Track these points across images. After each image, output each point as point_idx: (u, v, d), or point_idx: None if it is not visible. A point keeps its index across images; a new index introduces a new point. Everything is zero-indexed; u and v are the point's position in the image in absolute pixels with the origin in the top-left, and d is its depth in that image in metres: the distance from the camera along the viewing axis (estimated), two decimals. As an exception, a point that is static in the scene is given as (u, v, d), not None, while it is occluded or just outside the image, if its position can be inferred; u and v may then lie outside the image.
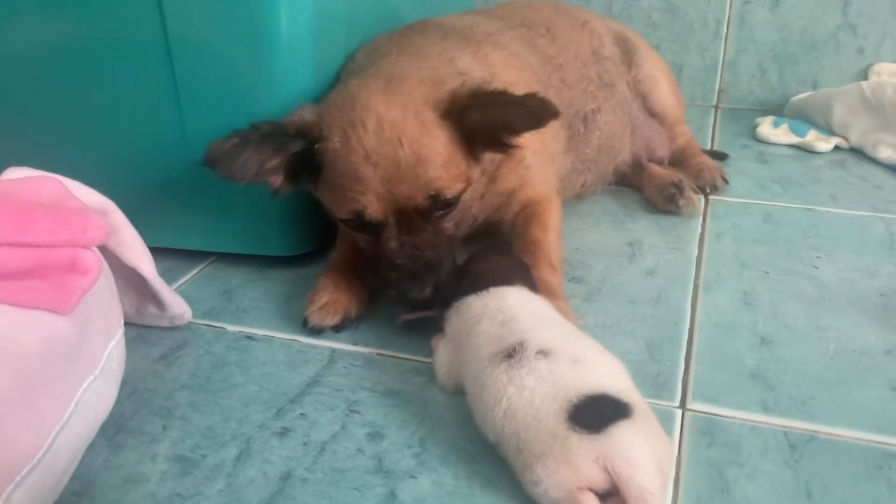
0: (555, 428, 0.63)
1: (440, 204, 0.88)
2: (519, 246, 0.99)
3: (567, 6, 1.36)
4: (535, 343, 0.70)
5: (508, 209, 1.04)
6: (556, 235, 1.02)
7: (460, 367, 0.77)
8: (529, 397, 0.66)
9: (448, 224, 0.92)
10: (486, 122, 0.87)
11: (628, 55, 1.36)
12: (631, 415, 0.63)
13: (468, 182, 0.91)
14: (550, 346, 0.70)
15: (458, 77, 0.95)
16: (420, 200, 0.86)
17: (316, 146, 0.88)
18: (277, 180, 0.92)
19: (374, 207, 0.86)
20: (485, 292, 0.80)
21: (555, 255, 0.98)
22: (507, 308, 0.77)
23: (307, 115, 0.90)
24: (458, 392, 0.78)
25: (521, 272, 0.86)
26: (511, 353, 0.70)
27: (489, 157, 0.97)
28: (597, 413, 0.63)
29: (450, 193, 0.88)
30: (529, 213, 1.03)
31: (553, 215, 1.04)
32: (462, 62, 0.99)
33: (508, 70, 1.04)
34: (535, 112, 0.83)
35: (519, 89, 0.88)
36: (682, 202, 1.23)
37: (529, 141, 1.00)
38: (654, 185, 1.29)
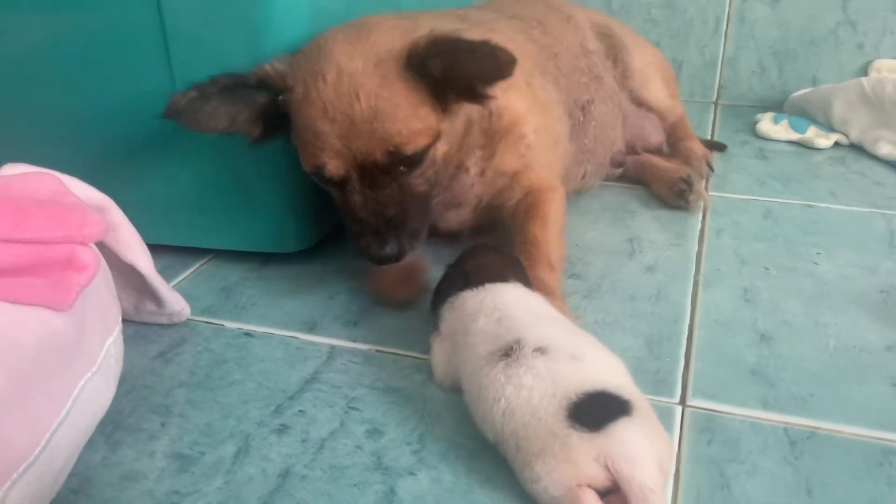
0: (554, 426, 0.62)
1: (402, 160, 0.86)
2: (517, 243, 0.98)
3: (554, 2, 1.37)
4: (533, 340, 0.70)
5: (511, 193, 1.02)
6: (556, 230, 1.00)
7: (457, 365, 0.77)
8: (528, 396, 0.65)
9: (416, 181, 0.89)
10: (450, 70, 0.84)
11: (613, 50, 1.37)
12: (631, 412, 0.62)
13: (436, 136, 0.87)
14: (548, 343, 0.69)
15: None
16: (378, 157, 0.84)
17: (279, 98, 0.87)
18: (255, 131, 0.90)
19: (333, 164, 0.85)
20: (480, 288, 0.79)
21: (554, 253, 0.96)
22: (503, 305, 0.76)
23: (277, 64, 0.88)
24: (457, 389, 0.78)
25: (515, 268, 0.85)
26: (508, 352, 0.69)
27: (482, 123, 0.95)
28: (596, 410, 0.62)
29: (411, 149, 0.85)
30: (530, 205, 1.00)
31: (554, 206, 1.02)
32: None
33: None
34: (489, 59, 0.80)
35: (516, 78, 0.86)
36: (691, 197, 1.23)
37: (529, 116, 0.99)
38: (662, 180, 1.29)
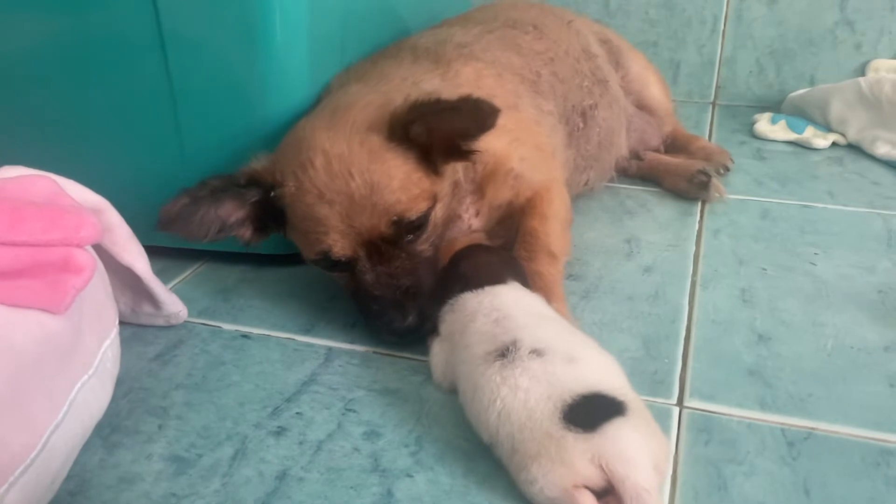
0: (550, 428, 0.62)
1: (406, 228, 0.86)
2: (518, 239, 0.97)
3: (551, 6, 1.37)
4: (529, 342, 0.70)
5: (512, 210, 1.02)
6: (557, 224, 0.98)
7: (454, 365, 0.77)
8: (524, 398, 0.65)
9: (422, 247, 0.89)
10: (435, 133, 0.84)
11: (613, 56, 1.39)
12: (626, 412, 0.62)
13: (434, 199, 0.88)
14: (544, 345, 0.69)
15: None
16: (384, 229, 0.84)
17: (272, 193, 0.88)
18: (246, 232, 0.92)
19: (339, 245, 0.85)
20: (480, 290, 0.79)
21: (555, 243, 0.95)
22: (501, 306, 0.76)
23: (260, 163, 0.89)
24: (455, 391, 0.77)
25: (512, 267, 0.85)
26: (504, 353, 0.70)
27: (467, 174, 0.95)
28: (591, 412, 0.62)
29: (413, 215, 0.85)
30: (528, 207, 1.00)
31: (553, 204, 1.00)
32: (429, 84, 0.96)
33: (482, 81, 1.02)
34: (472, 114, 0.81)
35: (498, 98, 0.87)
36: (712, 188, 1.26)
37: (512, 149, 0.98)
38: (678, 174, 1.31)
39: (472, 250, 0.89)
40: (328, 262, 0.87)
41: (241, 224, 0.91)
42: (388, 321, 0.85)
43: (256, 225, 0.92)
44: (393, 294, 0.85)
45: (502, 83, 1.05)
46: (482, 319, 0.75)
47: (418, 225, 0.87)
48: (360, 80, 0.98)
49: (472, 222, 1.00)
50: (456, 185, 0.94)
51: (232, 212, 0.89)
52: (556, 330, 0.74)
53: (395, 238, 0.85)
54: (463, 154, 0.87)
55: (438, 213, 0.90)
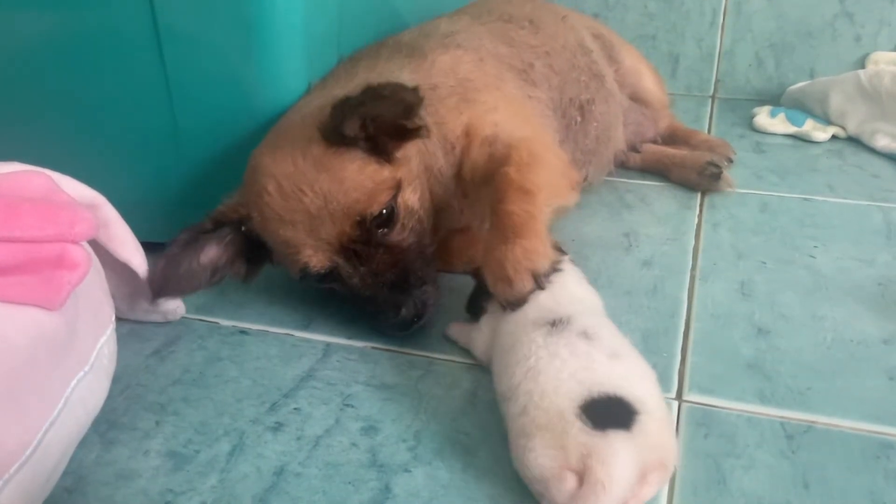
0: (566, 409, 0.63)
1: (375, 223, 0.85)
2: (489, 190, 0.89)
3: (545, 2, 1.37)
4: (582, 324, 0.71)
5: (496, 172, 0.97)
6: (540, 169, 0.89)
7: (497, 336, 0.78)
8: (559, 367, 0.67)
9: (401, 237, 0.87)
10: (375, 121, 0.84)
11: (607, 50, 1.39)
12: (631, 427, 0.62)
13: (396, 186, 0.86)
14: (595, 332, 0.71)
15: None
16: (350, 231, 0.84)
17: (243, 228, 0.88)
18: (241, 270, 0.92)
19: (314, 260, 0.85)
20: None
21: (532, 180, 0.86)
22: (567, 283, 0.79)
23: (229, 201, 0.90)
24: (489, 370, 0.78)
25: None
26: (556, 323, 0.71)
27: (447, 158, 0.94)
28: (605, 413, 0.63)
29: (376, 209, 0.84)
30: (504, 160, 0.90)
31: (536, 154, 0.91)
32: (396, 79, 0.92)
33: (459, 67, 1.00)
34: (395, 98, 0.80)
35: (474, 81, 0.88)
36: (723, 179, 1.27)
37: (483, 119, 0.95)
38: (686, 166, 1.32)
39: None
40: (313, 279, 0.87)
41: (231, 264, 0.91)
42: (384, 319, 0.85)
43: (246, 259, 0.92)
44: (381, 291, 0.84)
45: (482, 67, 1.04)
46: (546, 294, 0.77)
47: (387, 217, 0.86)
48: (326, 81, 0.99)
49: (462, 206, 0.99)
50: (427, 163, 0.93)
51: (216, 256, 0.89)
52: (609, 327, 0.75)
53: (366, 237, 0.85)
54: (410, 132, 0.86)
55: (409, 197, 0.88)
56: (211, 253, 0.89)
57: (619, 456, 0.60)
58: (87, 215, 0.67)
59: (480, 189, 0.93)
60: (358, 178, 0.84)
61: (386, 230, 0.86)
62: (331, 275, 0.87)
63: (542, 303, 0.76)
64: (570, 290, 0.79)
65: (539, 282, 0.77)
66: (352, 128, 0.83)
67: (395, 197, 0.86)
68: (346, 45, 1.08)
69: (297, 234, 0.84)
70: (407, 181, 0.88)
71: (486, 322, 0.83)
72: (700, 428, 0.74)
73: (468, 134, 0.95)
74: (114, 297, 0.82)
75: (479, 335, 0.83)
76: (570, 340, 0.69)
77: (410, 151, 0.89)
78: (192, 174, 1.01)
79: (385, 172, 0.86)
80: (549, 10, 1.31)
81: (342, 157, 0.84)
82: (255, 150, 0.91)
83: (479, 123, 0.96)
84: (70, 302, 0.65)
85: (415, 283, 0.85)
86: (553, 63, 1.17)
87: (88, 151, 1.02)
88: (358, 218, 0.84)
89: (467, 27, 1.12)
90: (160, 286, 0.86)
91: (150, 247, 0.87)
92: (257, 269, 0.94)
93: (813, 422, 0.75)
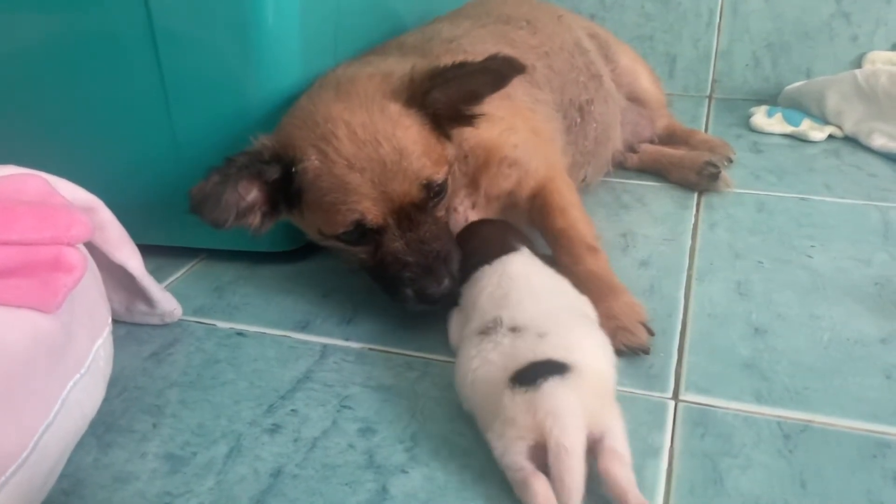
0: (502, 394, 0.65)
1: (434, 191, 0.87)
2: (548, 242, 0.96)
3: (541, 2, 1.37)
4: (510, 319, 0.73)
5: (516, 201, 1.00)
6: (576, 212, 0.97)
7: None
8: (492, 371, 0.69)
9: (441, 213, 0.91)
10: (450, 98, 0.86)
11: (603, 50, 1.39)
12: (565, 373, 0.64)
13: (449, 163, 0.90)
14: (523, 322, 0.72)
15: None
16: (415, 193, 0.85)
17: (293, 169, 0.86)
18: (255, 219, 0.88)
19: (372, 212, 0.84)
20: (496, 261, 0.83)
21: (588, 233, 0.95)
22: (506, 281, 0.80)
23: (267, 142, 0.87)
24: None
25: (514, 231, 0.89)
26: (488, 328, 0.73)
27: (460, 167, 0.95)
28: (535, 372, 0.65)
29: (439, 178, 0.87)
30: (540, 205, 0.98)
31: (563, 193, 0.99)
32: None
33: None
34: (499, 71, 0.83)
35: None
36: (721, 179, 1.28)
37: (505, 136, 0.98)
38: (684, 166, 1.32)
39: (470, 228, 0.92)
40: (356, 235, 0.87)
41: (252, 209, 0.88)
42: (421, 288, 0.85)
43: (266, 209, 0.90)
44: (425, 259, 0.85)
45: None
46: (487, 294, 0.79)
47: (440, 189, 0.88)
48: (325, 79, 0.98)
49: (468, 214, 0.99)
50: (452, 164, 0.94)
51: (246, 192, 0.86)
52: (546, 306, 0.76)
53: (423, 203, 0.86)
54: (467, 119, 0.89)
55: (451, 178, 0.91)
56: (246, 186, 0.85)
57: (559, 399, 0.62)
58: (83, 218, 0.67)
59: (503, 208, 1.00)
60: (427, 146, 0.86)
61: (435, 202, 0.88)
62: (373, 236, 0.86)
63: (484, 308, 0.77)
64: (509, 286, 0.79)
65: (649, 330, 0.85)
66: (438, 97, 0.85)
67: (449, 172, 0.89)
68: (343, 42, 1.08)
69: (363, 183, 0.83)
70: (451, 162, 0.91)
71: (456, 315, 0.85)
72: (697, 427, 0.74)
73: (487, 150, 0.96)
74: (110, 299, 0.82)
75: (451, 326, 0.86)
76: (498, 341, 0.71)
77: (455, 135, 0.92)
78: (188, 176, 1.00)
79: (441, 148, 0.89)
80: (545, 10, 1.31)
81: (416, 121, 0.86)
82: (303, 99, 0.90)
83: (499, 143, 0.97)
84: (66, 305, 0.65)
85: (452, 257, 0.87)
86: (553, 64, 1.18)
87: (85, 154, 1.02)
88: (425, 181, 0.85)
89: (469, 31, 1.12)
90: (201, 201, 0.82)
91: (146, 249, 0.88)
92: (271, 222, 0.91)
93: (810, 421, 0.75)
